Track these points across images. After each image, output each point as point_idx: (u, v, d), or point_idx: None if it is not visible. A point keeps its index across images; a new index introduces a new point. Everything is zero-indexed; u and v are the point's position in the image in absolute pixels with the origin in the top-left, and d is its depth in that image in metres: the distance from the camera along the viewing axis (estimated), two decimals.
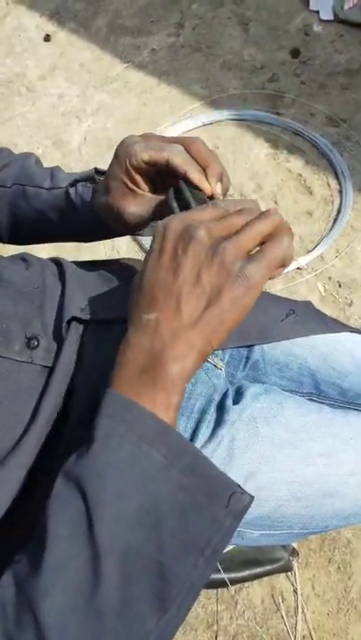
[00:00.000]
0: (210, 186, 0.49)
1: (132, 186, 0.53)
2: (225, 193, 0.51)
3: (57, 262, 0.63)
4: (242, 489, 0.35)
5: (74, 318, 0.52)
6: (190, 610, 0.34)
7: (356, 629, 0.99)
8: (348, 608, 1.01)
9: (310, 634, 0.99)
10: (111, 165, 0.53)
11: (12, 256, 0.63)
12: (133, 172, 0.51)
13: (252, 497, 0.35)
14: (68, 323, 0.52)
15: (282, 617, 1.00)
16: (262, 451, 0.55)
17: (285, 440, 0.56)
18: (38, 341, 0.50)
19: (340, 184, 1.51)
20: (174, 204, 0.48)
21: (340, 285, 1.37)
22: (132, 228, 0.57)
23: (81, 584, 0.31)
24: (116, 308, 0.55)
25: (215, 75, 1.81)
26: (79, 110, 1.82)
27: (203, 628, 1.01)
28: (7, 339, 0.49)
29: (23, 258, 0.62)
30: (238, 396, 0.60)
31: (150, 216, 0.55)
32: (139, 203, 0.54)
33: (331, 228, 1.44)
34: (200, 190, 0.49)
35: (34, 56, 1.98)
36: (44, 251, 1.48)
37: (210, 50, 1.88)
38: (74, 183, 0.59)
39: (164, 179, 0.53)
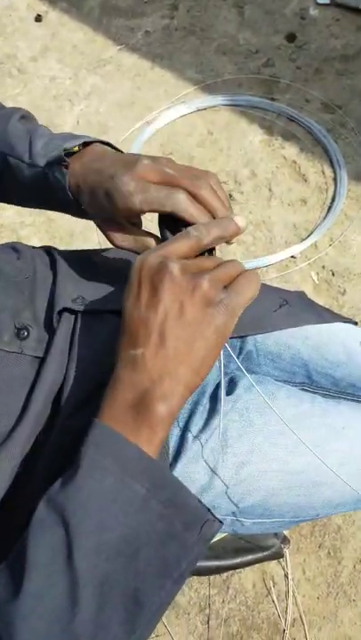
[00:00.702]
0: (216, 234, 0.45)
1: (125, 223, 0.50)
2: (232, 236, 0.47)
3: (48, 252, 0.63)
4: (214, 516, 0.36)
5: (65, 309, 0.52)
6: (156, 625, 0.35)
7: (346, 613, 1.01)
8: (337, 592, 1.03)
9: (301, 617, 1.01)
10: (104, 203, 0.48)
11: (3, 245, 0.62)
12: (129, 215, 0.48)
13: (222, 523, 0.37)
14: (59, 313, 0.52)
15: (273, 601, 1.02)
16: (254, 441, 0.56)
17: (277, 430, 0.56)
18: (28, 332, 0.50)
19: (334, 172, 1.50)
20: (167, 235, 0.48)
21: (333, 274, 1.37)
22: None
23: (59, 611, 0.32)
24: (108, 299, 0.55)
25: (210, 59, 1.79)
26: (72, 93, 1.79)
27: (195, 612, 1.03)
28: None
29: (14, 247, 0.61)
30: (232, 386, 0.60)
31: (137, 251, 0.51)
32: (127, 238, 0.51)
33: (325, 217, 1.43)
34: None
35: (25, 36, 1.94)
36: (35, 237, 1.47)
37: (204, 33, 1.85)
38: (49, 164, 0.52)
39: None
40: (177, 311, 0.37)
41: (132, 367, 0.38)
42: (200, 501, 0.36)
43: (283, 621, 1.00)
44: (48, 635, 0.32)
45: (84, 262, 0.63)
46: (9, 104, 1.99)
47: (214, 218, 0.47)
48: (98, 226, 0.53)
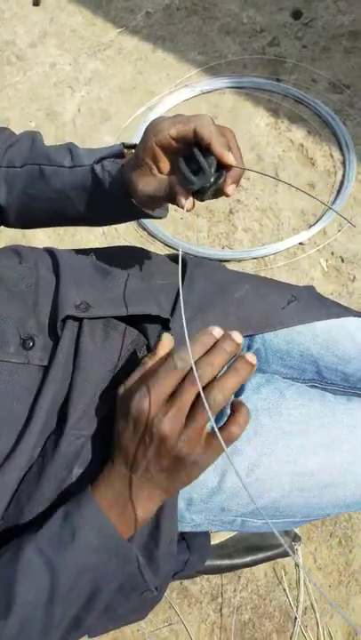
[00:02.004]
0: (229, 157, 0.49)
1: (152, 166, 0.52)
2: (239, 160, 0.52)
3: (51, 253, 0.62)
4: (156, 589, 0.50)
5: (69, 317, 0.51)
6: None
7: (357, 601, 1.01)
8: (349, 580, 1.03)
9: (312, 605, 1.01)
10: (139, 143, 0.53)
11: (5, 248, 0.61)
12: (157, 152, 0.51)
13: (157, 591, 0.50)
14: (63, 321, 0.51)
15: (284, 590, 1.03)
16: (264, 442, 0.55)
17: (287, 431, 0.56)
18: (34, 341, 0.49)
19: (343, 155, 1.47)
20: (186, 170, 0.50)
21: (342, 260, 1.35)
22: (143, 205, 0.57)
23: (33, 636, 0.42)
24: (111, 304, 0.54)
25: (213, 39, 1.74)
26: (72, 79, 1.76)
27: (207, 601, 1.04)
28: (2, 341, 0.48)
29: (16, 250, 0.60)
30: (240, 387, 0.59)
31: (159, 196, 0.54)
32: (150, 182, 0.53)
33: (333, 201, 1.41)
34: (213, 156, 0.49)
35: (23, 22, 1.90)
36: (41, 233, 1.45)
37: (207, 12, 1.79)
38: (99, 160, 0.58)
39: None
40: (160, 462, 0.44)
41: (121, 480, 0.45)
42: (148, 571, 0.48)
43: (294, 609, 1.01)
44: None
45: (87, 262, 0.62)
46: (9, 92, 1.93)
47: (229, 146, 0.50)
48: (128, 183, 0.55)
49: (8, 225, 0.68)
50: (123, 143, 0.58)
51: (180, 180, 0.50)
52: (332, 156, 1.48)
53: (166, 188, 0.52)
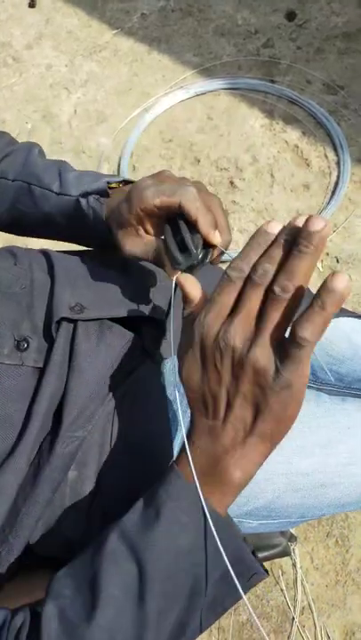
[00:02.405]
0: (215, 237, 0.48)
1: (138, 227, 0.52)
2: (226, 247, 0.50)
3: (46, 255, 0.62)
4: (264, 570, 0.41)
5: (63, 318, 0.51)
6: None
7: (355, 600, 1.02)
8: (345, 580, 1.04)
9: (310, 605, 1.02)
10: (122, 204, 0.52)
11: (0, 249, 0.61)
12: (143, 216, 0.50)
13: (268, 574, 0.41)
14: (58, 322, 0.51)
15: (281, 590, 1.03)
16: None
17: None
18: (28, 343, 0.50)
19: (337, 155, 1.47)
20: (174, 247, 0.49)
21: (338, 261, 1.35)
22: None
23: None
24: (106, 305, 0.54)
25: (208, 41, 1.74)
26: (68, 81, 1.76)
27: None
28: None
29: (11, 251, 0.60)
30: None
31: (146, 258, 0.53)
32: (137, 243, 0.52)
33: (328, 202, 1.41)
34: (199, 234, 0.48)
35: (19, 24, 1.90)
36: None
37: (202, 14, 1.80)
38: (85, 194, 0.57)
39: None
40: (240, 387, 0.37)
41: (207, 436, 0.39)
42: (255, 555, 0.41)
43: (292, 609, 1.02)
44: None
45: (82, 264, 0.62)
46: (5, 94, 1.93)
47: (215, 223, 0.49)
48: (114, 237, 0.54)
49: (2, 230, 0.68)
50: (108, 181, 0.57)
51: (167, 254, 0.50)
52: (326, 156, 1.49)
53: (153, 253, 0.52)
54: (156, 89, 1.68)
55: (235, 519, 0.57)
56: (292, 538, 0.85)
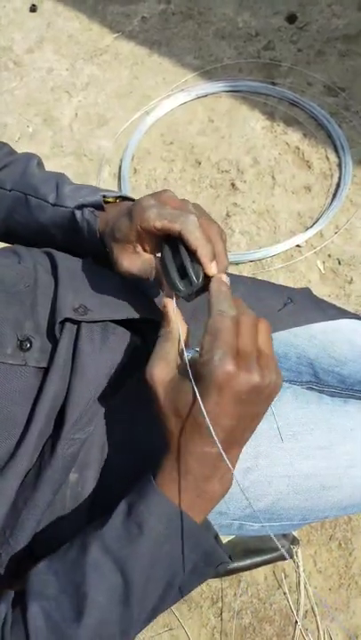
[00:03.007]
0: (212, 269, 0.49)
1: (136, 244, 0.52)
2: (223, 272, 0.51)
3: (49, 255, 0.62)
4: (230, 559, 0.46)
5: (67, 319, 0.51)
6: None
7: (358, 604, 1.01)
8: (349, 583, 1.03)
9: (313, 609, 1.01)
10: (121, 219, 0.52)
11: (3, 249, 0.61)
12: (142, 233, 0.50)
13: (231, 561, 0.47)
14: (62, 323, 0.51)
15: (284, 593, 1.03)
16: (261, 445, 0.55)
17: (284, 434, 0.56)
18: (31, 343, 0.49)
19: (339, 157, 1.47)
20: (174, 273, 0.49)
21: (339, 262, 1.35)
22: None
23: (111, 637, 0.41)
24: (110, 307, 0.54)
25: (208, 43, 1.75)
26: (69, 85, 1.76)
27: (208, 605, 1.04)
28: None
29: (15, 250, 0.60)
30: None
31: (145, 277, 0.53)
32: (134, 261, 0.53)
33: (330, 204, 1.41)
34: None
35: (20, 28, 1.91)
36: None
37: (202, 17, 1.80)
38: (80, 207, 0.58)
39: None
40: (251, 411, 0.42)
41: (200, 461, 0.42)
42: (221, 546, 0.46)
43: (295, 613, 1.01)
44: None
45: (85, 266, 0.62)
46: (6, 98, 1.94)
47: (214, 253, 0.49)
48: (110, 252, 0.55)
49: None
50: (104, 195, 0.58)
51: (166, 277, 0.50)
52: (328, 158, 1.49)
53: (151, 274, 0.52)
54: (157, 92, 1.68)
55: (236, 522, 0.57)
56: (294, 541, 0.85)
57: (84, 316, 0.52)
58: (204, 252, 0.47)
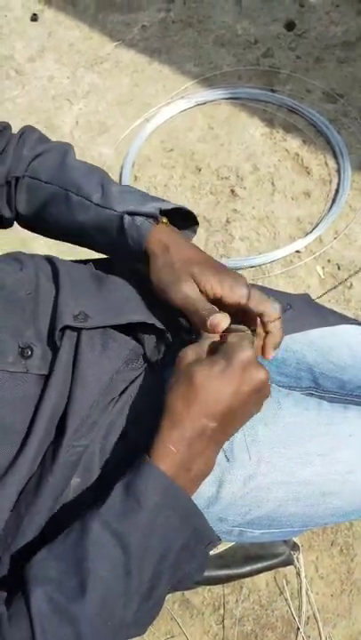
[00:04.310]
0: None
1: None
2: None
3: (50, 262, 0.62)
4: (218, 538, 0.49)
5: (67, 327, 0.51)
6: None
7: (360, 610, 1.01)
8: (351, 589, 1.03)
9: (315, 615, 1.01)
10: (187, 281, 0.53)
11: (5, 255, 0.61)
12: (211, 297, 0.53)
13: (220, 540, 0.50)
14: (62, 330, 0.51)
15: (286, 599, 1.02)
16: (261, 452, 0.55)
17: (284, 441, 0.56)
18: (32, 350, 0.50)
19: (338, 163, 1.48)
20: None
21: (339, 268, 1.35)
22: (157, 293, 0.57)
23: (116, 612, 0.42)
24: (110, 314, 0.55)
25: (208, 51, 1.76)
26: (70, 93, 1.78)
27: (209, 612, 1.04)
28: (0, 350, 0.48)
29: (16, 258, 0.60)
30: None
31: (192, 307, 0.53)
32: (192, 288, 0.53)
33: (329, 209, 1.42)
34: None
35: (21, 37, 1.92)
36: (42, 240, 1.46)
37: (202, 25, 1.82)
38: (132, 213, 0.56)
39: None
40: (249, 403, 0.47)
41: (199, 435, 0.45)
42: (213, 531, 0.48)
43: (297, 619, 1.01)
44: (107, 628, 0.41)
45: (86, 273, 0.62)
46: (8, 106, 1.95)
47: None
48: (150, 263, 0.56)
49: (24, 227, 0.68)
50: (160, 208, 0.57)
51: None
52: (327, 164, 1.49)
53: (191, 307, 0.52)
54: (157, 99, 1.70)
55: (236, 529, 0.57)
56: (295, 547, 0.85)
57: (84, 323, 0.52)
58: (269, 342, 0.54)
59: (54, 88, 1.79)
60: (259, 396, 0.47)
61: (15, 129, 0.69)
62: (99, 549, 0.42)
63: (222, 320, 0.48)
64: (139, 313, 0.56)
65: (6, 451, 0.47)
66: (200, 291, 0.53)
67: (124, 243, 0.57)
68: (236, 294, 0.52)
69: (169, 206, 0.58)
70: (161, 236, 0.55)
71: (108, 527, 0.42)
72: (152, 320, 0.56)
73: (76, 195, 0.58)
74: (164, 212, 0.57)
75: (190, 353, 0.48)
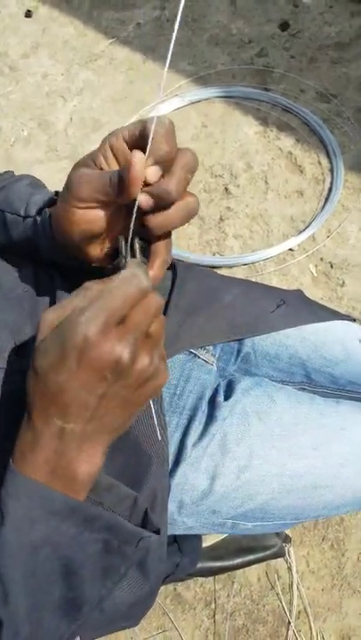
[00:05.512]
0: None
1: (104, 165, 0.47)
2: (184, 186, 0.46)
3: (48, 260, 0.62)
4: (150, 534, 0.42)
5: None
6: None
7: (351, 604, 1.02)
8: (341, 584, 1.04)
9: (306, 609, 1.02)
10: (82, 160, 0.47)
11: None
12: (109, 154, 0.46)
13: (158, 535, 0.42)
14: None
15: (277, 594, 1.03)
16: (254, 445, 0.56)
17: (277, 434, 0.57)
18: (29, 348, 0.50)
19: (331, 162, 1.49)
20: (126, 256, 0.45)
21: (331, 266, 1.36)
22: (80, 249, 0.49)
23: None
24: None
25: (202, 50, 1.76)
26: (64, 89, 1.77)
27: (201, 607, 1.04)
28: None
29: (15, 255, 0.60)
30: (229, 390, 0.60)
31: (101, 196, 0.45)
32: (92, 179, 0.46)
33: (322, 208, 1.43)
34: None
35: (15, 33, 1.92)
36: None
37: (196, 23, 1.82)
38: (39, 211, 0.52)
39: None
40: (115, 396, 0.36)
41: (58, 438, 0.36)
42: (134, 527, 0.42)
43: (288, 614, 1.02)
44: None
45: (81, 268, 0.62)
46: (1, 102, 1.94)
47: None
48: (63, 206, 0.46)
49: None
50: (56, 191, 0.53)
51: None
52: (320, 163, 1.50)
53: (110, 189, 0.44)
54: (152, 97, 1.70)
55: (228, 521, 0.58)
56: (286, 539, 0.85)
57: None
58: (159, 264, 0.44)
59: (48, 85, 1.79)
60: (126, 380, 0.36)
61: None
62: None
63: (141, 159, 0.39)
64: None
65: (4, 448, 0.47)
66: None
67: (41, 240, 0.52)
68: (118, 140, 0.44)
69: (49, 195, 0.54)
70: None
71: None
72: None
73: (9, 213, 0.54)
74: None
75: (50, 316, 0.37)
